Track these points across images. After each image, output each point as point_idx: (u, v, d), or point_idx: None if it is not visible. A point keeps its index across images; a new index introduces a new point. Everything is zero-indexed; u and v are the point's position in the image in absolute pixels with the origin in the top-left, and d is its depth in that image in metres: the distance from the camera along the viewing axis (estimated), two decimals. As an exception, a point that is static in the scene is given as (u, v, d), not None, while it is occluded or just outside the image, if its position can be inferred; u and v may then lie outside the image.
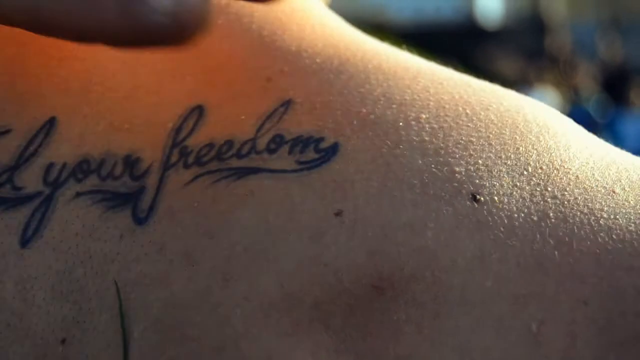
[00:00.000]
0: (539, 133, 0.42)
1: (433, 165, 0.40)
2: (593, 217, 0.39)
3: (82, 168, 0.41)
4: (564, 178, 0.40)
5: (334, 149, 0.40)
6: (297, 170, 0.40)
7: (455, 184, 0.40)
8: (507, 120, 0.42)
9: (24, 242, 0.41)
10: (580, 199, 0.40)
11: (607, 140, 0.45)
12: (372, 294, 0.38)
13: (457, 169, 0.40)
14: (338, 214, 0.39)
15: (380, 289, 0.38)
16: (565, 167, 0.41)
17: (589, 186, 0.40)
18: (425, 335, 0.37)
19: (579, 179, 0.40)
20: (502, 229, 0.39)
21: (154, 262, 0.39)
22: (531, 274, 0.38)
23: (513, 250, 0.38)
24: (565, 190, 0.40)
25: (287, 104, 0.42)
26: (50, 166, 0.41)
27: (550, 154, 0.41)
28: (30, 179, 0.41)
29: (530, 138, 0.41)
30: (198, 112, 0.42)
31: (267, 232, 0.39)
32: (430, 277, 0.38)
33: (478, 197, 0.39)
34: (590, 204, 0.39)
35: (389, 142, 0.40)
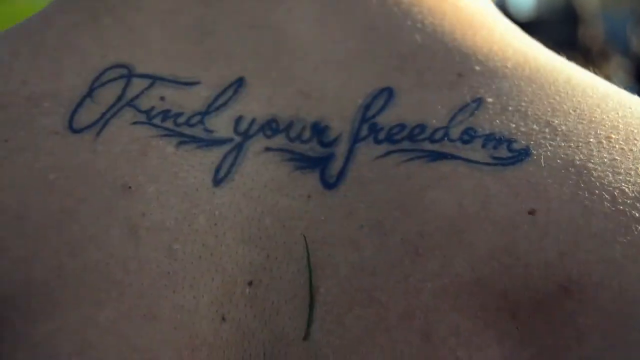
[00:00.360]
0: None
1: (624, 184, 0.42)
2: None
3: (271, 126, 0.44)
4: None
5: (526, 151, 0.43)
6: (491, 164, 0.42)
7: None
8: None
9: (217, 181, 0.44)
10: None
11: None
12: (559, 293, 0.40)
13: None
14: (531, 212, 0.41)
15: (569, 290, 0.40)
16: None
17: None
18: (611, 344, 0.39)
19: None
20: None
21: (343, 225, 0.42)
22: None
23: None
24: None
25: (478, 100, 0.44)
26: (239, 118, 0.45)
27: None
28: (221, 125, 0.45)
29: None
30: (387, 93, 0.44)
31: (460, 216, 0.41)
32: (617, 287, 0.40)
33: None
34: None
35: (580, 155, 0.42)
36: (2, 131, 0.45)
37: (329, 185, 0.43)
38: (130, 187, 0.44)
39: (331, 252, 0.42)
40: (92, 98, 0.46)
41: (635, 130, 0.44)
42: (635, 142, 0.43)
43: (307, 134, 0.45)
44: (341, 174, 0.43)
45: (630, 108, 0.45)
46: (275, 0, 0.47)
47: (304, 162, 0.44)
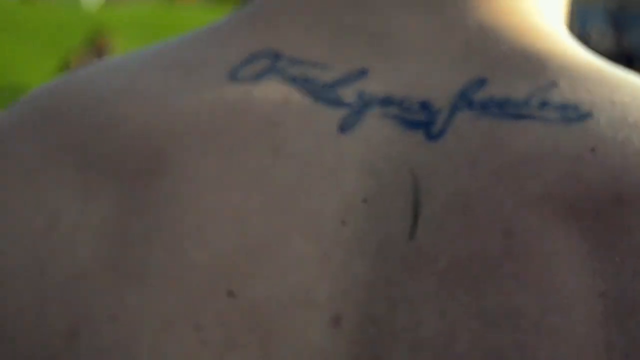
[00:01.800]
0: None
1: None
2: None
3: (387, 100, 0.56)
4: None
5: (589, 113, 0.55)
6: (562, 121, 0.54)
7: None
8: None
9: (342, 129, 0.56)
10: None
11: None
12: (615, 201, 0.52)
13: None
14: (593, 149, 0.53)
15: (622, 199, 0.52)
16: None
17: None
18: None
19: None
20: None
21: (443, 164, 0.54)
22: None
23: None
24: None
25: (553, 83, 0.57)
26: (361, 92, 0.57)
27: None
28: (347, 94, 0.57)
29: None
30: (481, 81, 0.57)
31: (534, 153, 0.54)
32: None
33: None
34: None
35: (634, 117, 0.55)
36: (183, 74, 0.59)
37: (433, 137, 0.55)
38: (276, 122, 0.56)
39: (434, 182, 0.54)
40: (245, 65, 0.59)
41: None
42: None
43: (415, 108, 0.56)
44: (442, 131, 0.55)
45: None
46: (392, 16, 0.59)
47: (413, 124, 0.55)
